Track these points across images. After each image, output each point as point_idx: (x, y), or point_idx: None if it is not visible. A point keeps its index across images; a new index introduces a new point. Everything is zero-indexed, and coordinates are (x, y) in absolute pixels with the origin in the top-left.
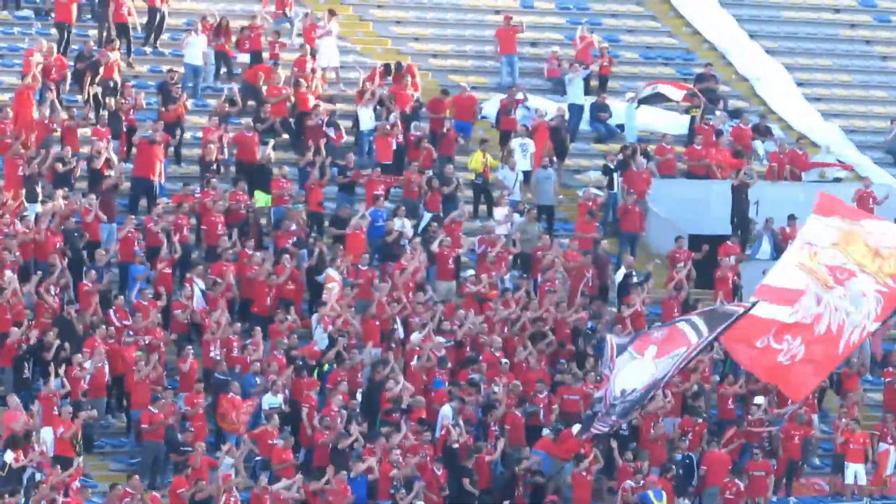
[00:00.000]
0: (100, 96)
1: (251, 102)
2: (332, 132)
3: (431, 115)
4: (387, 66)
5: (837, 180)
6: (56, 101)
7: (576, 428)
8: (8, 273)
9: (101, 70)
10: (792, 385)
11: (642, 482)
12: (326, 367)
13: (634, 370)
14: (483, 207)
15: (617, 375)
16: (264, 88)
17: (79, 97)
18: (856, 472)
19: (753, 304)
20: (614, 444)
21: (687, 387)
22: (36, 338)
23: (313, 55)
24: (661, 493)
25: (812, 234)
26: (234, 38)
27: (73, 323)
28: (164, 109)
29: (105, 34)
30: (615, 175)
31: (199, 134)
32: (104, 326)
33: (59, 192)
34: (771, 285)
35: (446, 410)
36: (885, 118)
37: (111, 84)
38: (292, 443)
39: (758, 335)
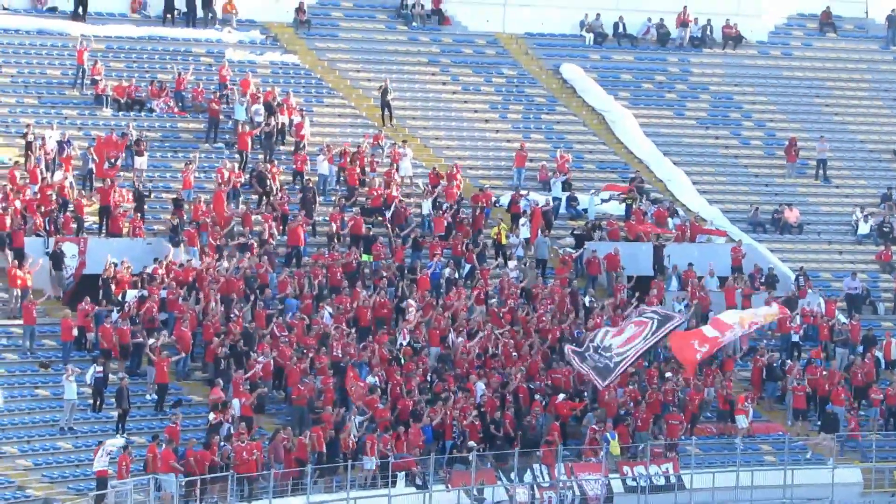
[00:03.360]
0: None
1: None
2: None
3: (471, 205)
4: (439, 174)
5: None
6: (239, 199)
7: (561, 395)
8: (211, 304)
9: (268, 179)
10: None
11: (603, 427)
12: (405, 358)
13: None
14: (500, 260)
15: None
16: (364, 189)
17: (253, 196)
18: (738, 420)
19: (680, 323)
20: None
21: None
22: (228, 344)
23: (397, 169)
24: (615, 433)
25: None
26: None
27: (253, 334)
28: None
29: (267, 156)
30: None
31: (327, 217)
32: (270, 337)
33: (245, 255)
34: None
35: (481, 385)
36: (747, 203)
37: (273, 188)
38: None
39: (692, 337)
